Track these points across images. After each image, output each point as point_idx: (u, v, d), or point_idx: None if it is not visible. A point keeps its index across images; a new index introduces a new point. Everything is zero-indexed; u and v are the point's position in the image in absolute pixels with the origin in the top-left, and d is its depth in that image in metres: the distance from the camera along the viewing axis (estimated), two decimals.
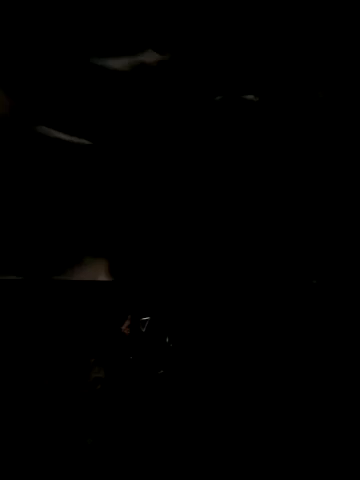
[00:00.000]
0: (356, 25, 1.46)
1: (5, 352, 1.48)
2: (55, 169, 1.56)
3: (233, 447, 1.39)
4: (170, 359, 1.49)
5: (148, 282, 1.57)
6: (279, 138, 1.52)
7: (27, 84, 1.53)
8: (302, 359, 1.44)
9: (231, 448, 1.39)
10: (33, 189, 1.55)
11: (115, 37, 1.53)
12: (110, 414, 1.44)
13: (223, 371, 1.46)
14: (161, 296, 1.55)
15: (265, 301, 1.49)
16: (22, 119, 1.51)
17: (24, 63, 1.54)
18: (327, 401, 1.41)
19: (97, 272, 1.56)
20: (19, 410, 1.43)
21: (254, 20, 1.49)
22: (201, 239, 1.55)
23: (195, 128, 1.56)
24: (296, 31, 1.48)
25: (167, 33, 1.51)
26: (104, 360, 1.48)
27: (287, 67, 1.49)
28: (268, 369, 1.44)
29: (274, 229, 1.51)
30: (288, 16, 1.48)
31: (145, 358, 1.49)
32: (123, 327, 1.51)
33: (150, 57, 1.52)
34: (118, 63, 1.52)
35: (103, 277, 1.55)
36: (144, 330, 1.51)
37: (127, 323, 1.51)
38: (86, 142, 1.58)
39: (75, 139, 1.56)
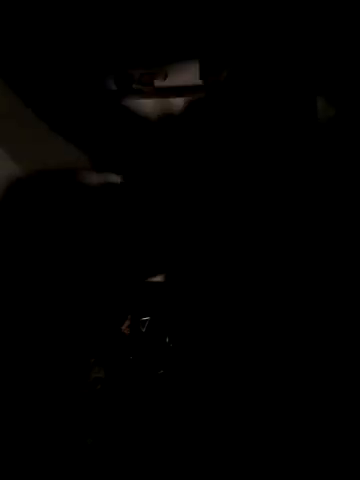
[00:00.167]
0: (356, 25, 1.46)
1: (5, 352, 1.48)
2: None
3: (233, 447, 1.39)
4: (170, 359, 1.49)
5: (148, 282, 1.57)
6: (279, 138, 1.52)
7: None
8: (302, 359, 1.44)
9: (231, 448, 1.39)
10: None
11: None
12: (110, 414, 1.44)
13: (223, 371, 1.46)
14: (161, 296, 1.55)
15: (265, 301, 1.49)
16: None
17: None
18: (327, 401, 1.41)
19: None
20: (19, 410, 1.43)
21: (254, 20, 1.49)
22: (201, 239, 1.55)
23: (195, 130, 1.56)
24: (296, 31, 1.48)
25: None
26: (104, 360, 1.48)
27: (287, 67, 1.49)
28: (268, 369, 1.44)
29: (274, 229, 1.51)
30: (288, 16, 1.47)
31: (145, 358, 1.49)
32: (123, 327, 1.51)
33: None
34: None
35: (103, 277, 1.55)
36: (144, 330, 1.51)
37: (127, 323, 1.51)
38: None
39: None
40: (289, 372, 1.43)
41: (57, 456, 1.39)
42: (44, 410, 1.43)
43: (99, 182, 1.60)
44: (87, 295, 1.53)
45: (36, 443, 1.40)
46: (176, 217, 1.57)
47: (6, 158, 1.55)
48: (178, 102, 1.55)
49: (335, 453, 1.36)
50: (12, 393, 1.45)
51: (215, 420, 1.41)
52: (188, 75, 1.52)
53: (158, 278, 1.57)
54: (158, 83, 1.53)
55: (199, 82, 1.52)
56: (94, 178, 1.60)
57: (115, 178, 1.60)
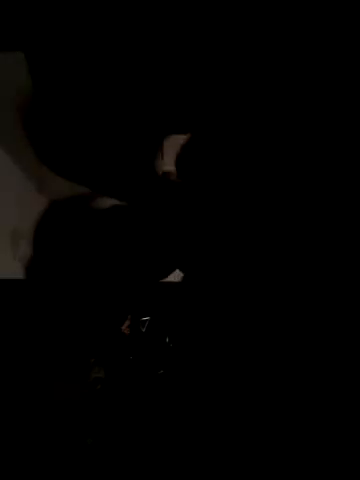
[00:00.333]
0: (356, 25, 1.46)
1: (5, 352, 1.48)
2: None
3: (233, 447, 1.39)
4: (170, 359, 1.49)
5: (148, 282, 1.57)
6: (279, 138, 1.52)
7: None
8: (302, 359, 1.44)
9: (231, 448, 1.39)
10: None
11: None
12: (110, 414, 1.44)
13: (223, 371, 1.46)
14: (161, 296, 1.55)
15: (265, 301, 1.49)
16: None
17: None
18: (327, 401, 1.41)
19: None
20: (19, 410, 1.43)
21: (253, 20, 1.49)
22: (201, 239, 1.55)
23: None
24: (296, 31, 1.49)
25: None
26: (104, 360, 1.48)
27: (286, 67, 1.49)
28: (268, 369, 1.44)
29: (274, 229, 1.51)
30: (287, 16, 1.48)
31: (145, 358, 1.49)
32: (123, 327, 1.51)
33: None
34: None
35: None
36: (144, 330, 1.51)
37: (127, 323, 1.51)
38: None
39: None
40: (289, 372, 1.43)
41: (57, 456, 1.39)
42: (44, 410, 1.43)
43: (99, 182, 1.60)
44: (87, 295, 1.54)
45: (36, 443, 1.40)
46: (176, 217, 1.57)
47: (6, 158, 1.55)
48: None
49: (335, 453, 1.36)
50: (12, 393, 1.45)
51: (215, 420, 1.41)
52: None
53: (158, 278, 1.57)
54: None
55: None
56: (94, 179, 1.60)
57: (115, 178, 1.60)
